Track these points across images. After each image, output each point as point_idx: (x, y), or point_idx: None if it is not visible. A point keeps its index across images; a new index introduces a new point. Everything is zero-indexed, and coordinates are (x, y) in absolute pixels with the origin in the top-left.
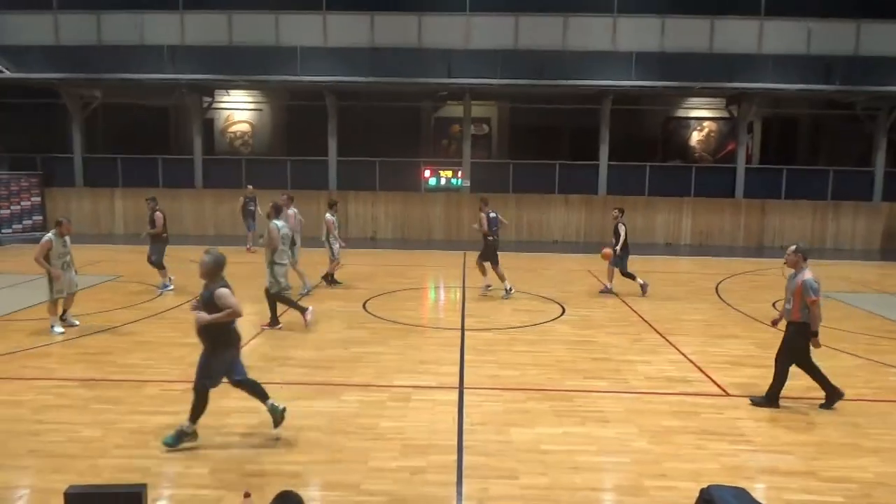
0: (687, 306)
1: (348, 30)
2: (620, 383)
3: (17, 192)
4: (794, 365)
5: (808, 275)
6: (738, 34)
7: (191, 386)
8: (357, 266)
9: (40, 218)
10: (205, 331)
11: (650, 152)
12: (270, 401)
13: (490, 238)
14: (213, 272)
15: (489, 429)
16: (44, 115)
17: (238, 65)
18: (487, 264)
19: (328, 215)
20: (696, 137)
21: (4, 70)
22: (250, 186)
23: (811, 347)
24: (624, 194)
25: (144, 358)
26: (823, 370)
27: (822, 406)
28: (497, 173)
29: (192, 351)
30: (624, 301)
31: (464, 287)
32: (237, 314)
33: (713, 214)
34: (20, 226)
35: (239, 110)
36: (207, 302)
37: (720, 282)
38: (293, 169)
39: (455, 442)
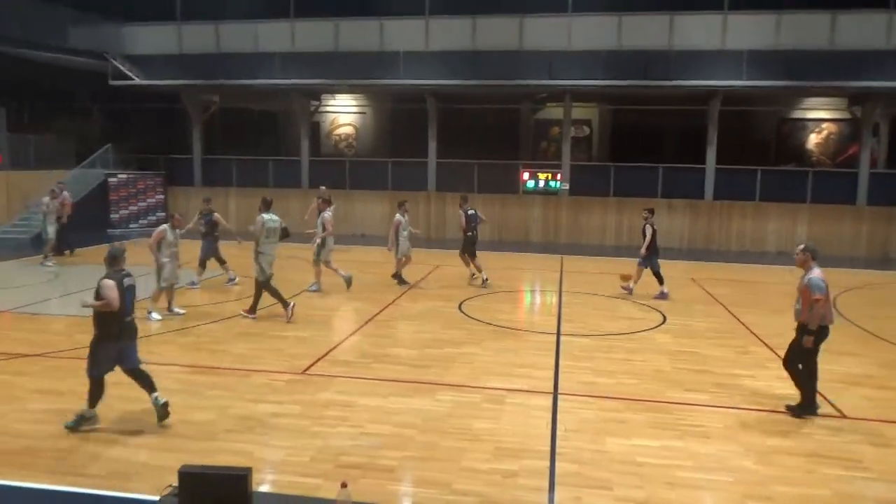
0: None
1: (450, 33)
2: (723, 398)
3: (143, 190)
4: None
5: (815, 273)
6: (862, 29)
7: (294, 377)
8: (453, 267)
9: (163, 214)
10: (93, 319)
11: (762, 155)
12: (155, 394)
13: (469, 234)
14: (108, 263)
15: (583, 437)
16: (167, 119)
17: (343, 69)
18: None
19: (398, 216)
20: (813, 140)
21: (134, 78)
22: (323, 188)
23: (815, 349)
24: (732, 199)
25: (251, 349)
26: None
27: (788, 407)
28: (597, 176)
29: (293, 343)
30: (730, 311)
31: (560, 291)
32: (109, 306)
33: (832, 222)
34: (145, 221)
35: (344, 113)
36: (96, 290)
37: (838, 295)
38: (394, 170)
39: (548, 448)
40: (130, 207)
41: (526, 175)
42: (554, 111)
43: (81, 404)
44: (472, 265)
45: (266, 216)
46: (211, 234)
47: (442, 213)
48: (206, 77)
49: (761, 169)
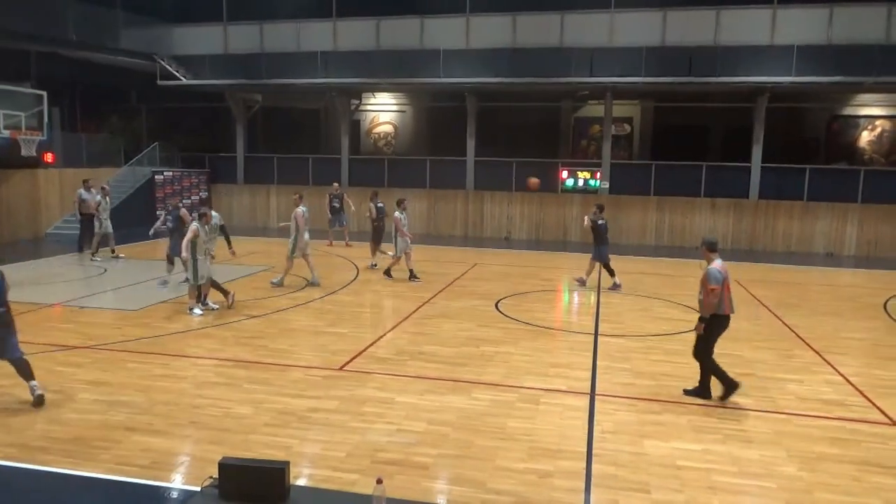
0: (849, 323)
1: (490, 31)
2: (767, 402)
3: (188, 188)
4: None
5: (714, 265)
6: None
7: (331, 373)
8: (490, 266)
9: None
10: None
11: (811, 153)
12: (33, 382)
13: (376, 224)
14: None
15: (621, 438)
16: (211, 118)
17: (384, 68)
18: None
19: (397, 213)
20: (865, 138)
21: (181, 78)
22: (336, 184)
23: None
24: (779, 198)
25: (291, 344)
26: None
27: (686, 392)
28: (638, 175)
29: (334, 340)
30: (774, 313)
31: (599, 291)
32: None
33: (885, 222)
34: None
35: (383, 112)
36: None
37: (890, 298)
38: (432, 169)
39: (584, 449)
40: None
41: (565, 174)
42: (595, 109)
43: (130, 395)
44: (376, 252)
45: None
46: (178, 231)
47: (480, 211)
48: (249, 76)
49: (810, 167)
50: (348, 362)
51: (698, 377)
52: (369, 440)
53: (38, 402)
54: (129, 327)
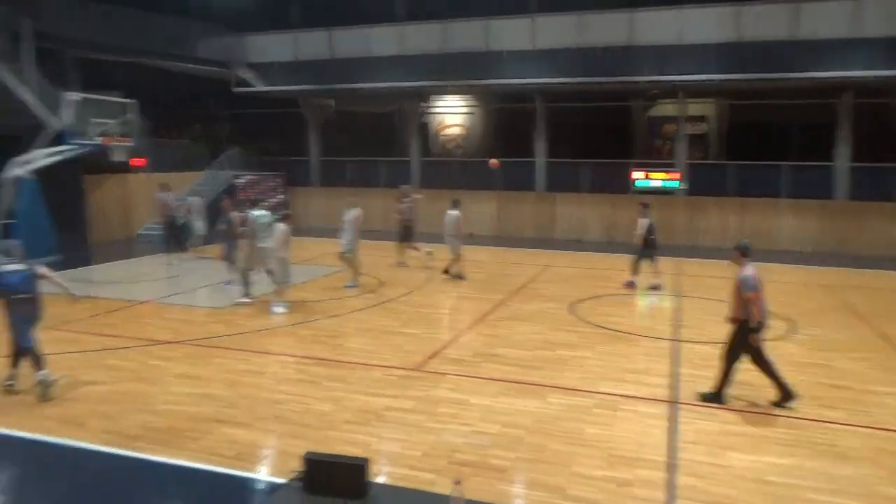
0: None
1: (556, 31)
2: (863, 416)
3: (266, 191)
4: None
5: (747, 271)
6: None
7: (407, 373)
8: (562, 268)
9: (282, 213)
10: None
11: None
12: (43, 371)
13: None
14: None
15: (703, 449)
16: (287, 123)
17: (451, 71)
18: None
19: (457, 213)
20: None
21: (254, 85)
22: (406, 186)
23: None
24: (870, 199)
25: (368, 343)
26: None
27: (774, 404)
28: (715, 175)
29: (408, 340)
30: (867, 321)
31: (677, 295)
32: None
33: None
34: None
35: (452, 114)
36: None
37: None
38: (502, 170)
39: (665, 458)
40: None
41: (637, 174)
42: (668, 108)
43: (218, 389)
44: (409, 248)
45: (256, 213)
46: (229, 235)
47: (550, 213)
48: (319, 82)
49: None
50: (424, 363)
51: (776, 387)
52: (445, 441)
53: (46, 390)
54: (214, 324)
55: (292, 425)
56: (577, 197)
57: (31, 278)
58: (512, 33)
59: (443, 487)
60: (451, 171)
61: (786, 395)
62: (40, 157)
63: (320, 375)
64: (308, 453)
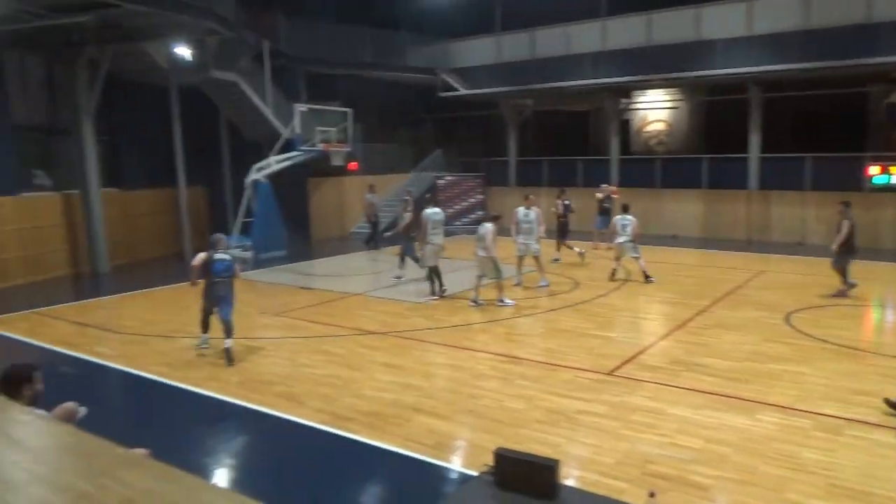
0: None
1: (776, 14)
2: None
3: (465, 191)
4: None
5: None
6: None
7: (600, 377)
8: (778, 274)
9: (482, 213)
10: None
11: None
12: (229, 340)
13: (563, 220)
14: (210, 245)
15: None
16: (486, 125)
17: (656, 64)
18: None
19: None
20: None
21: (459, 89)
22: (606, 185)
23: None
24: None
25: (561, 344)
26: None
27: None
28: None
29: (602, 343)
30: None
31: None
32: (192, 271)
33: None
34: (467, 219)
35: (655, 109)
36: None
37: None
38: (709, 167)
39: None
40: (455, 206)
41: (873, 169)
42: None
43: (417, 379)
44: (564, 246)
45: (429, 210)
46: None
47: (765, 213)
48: (521, 83)
49: None
50: (618, 367)
51: None
52: (639, 450)
53: (230, 355)
54: (416, 318)
55: (485, 420)
56: (798, 195)
57: (231, 267)
58: (725, 20)
59: (634, 498)
60: (652, 168)
61: None
62: (274, 163)
63: (513, 373)
64: (500, 449)
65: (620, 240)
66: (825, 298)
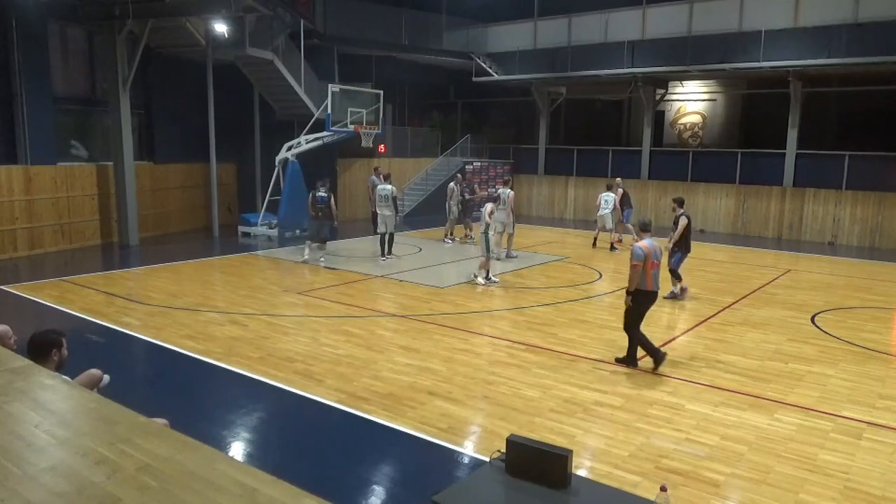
0: None
1: (824, 6)
2: None
3: (493, 177)
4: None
5: (639, 243)
6: None
7: (618, 369)
8: (807, 273)
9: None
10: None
11: None
12: (322, 255)
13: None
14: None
15: None
16: (517, 112)
17: (695, 55)
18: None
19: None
20: None
21: (493, 74)
22: (619, 179)
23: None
24: None
25: (580, 335)
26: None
27: (617, 359)
28: None
29: (624, 336)
30: None
31: None
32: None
33: None
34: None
35: (691, 101)
36: None
37: None
38: (743, 162)
39: None
40: (482, 193)
41: None
42: None
43: (435, 363)
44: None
45: (380, 186)
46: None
47: (798, 211)
48: (556, 70)
49: None
50: (637, 361)
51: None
52: (654, 444)
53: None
54: (437, 302)
55: (500, 407)
56: (834, 194)
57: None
58: (769, 10)
59: (647, 492)
60: (685, 161)
61: (629, 359)
62: (304, 142)
63: (530, 362)
64: (512, 436)
65: (603, 212)
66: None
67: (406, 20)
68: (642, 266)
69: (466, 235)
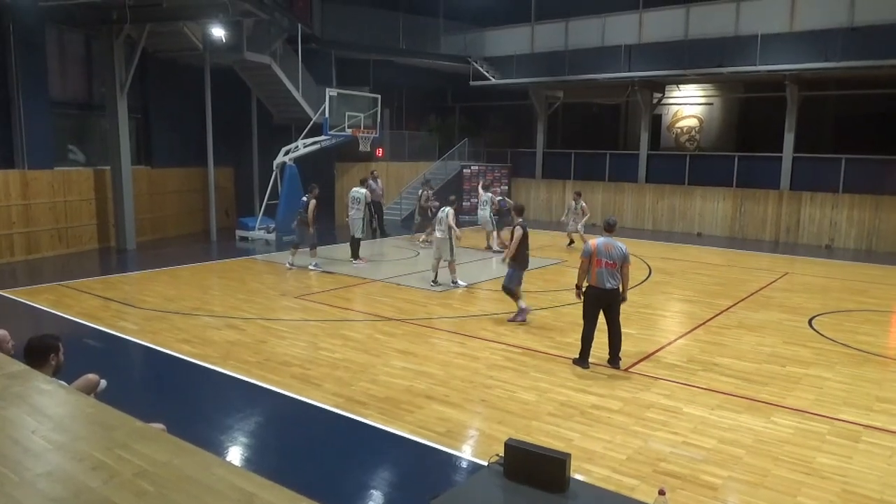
0: None
1: (821, 9)
2: None
3: (491, 181)
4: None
5: (591, 241)
6: None
7: (616, 372)
8: (804, 277)
9: (499, 200)
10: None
11: None
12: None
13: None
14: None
15: None
16: (514, 116)
17: (692, 59)
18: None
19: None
20: None
21: (491, 78)
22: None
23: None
24: None
25: (577, 338)
26: None
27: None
28: None
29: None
30: None
31: None
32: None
33: None
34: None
35: (688, 105)
36: None
37: None
38: (740, 166)
39: None
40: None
41: None
42: None
43: (432, 367)
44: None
45: (352, 190)
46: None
47: (795, 214)
48: (553, 73)
49: None
50: (634, 364)
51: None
52: (652, 447)
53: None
54: (434, 306)
55: (497, 411)
56: (830, 198)
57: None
58: (766, 15)
59: (645, 495)
60: (682, 165)
61: (580, 360)
62: (302, 146)
63: (527, 365)
64: (510, 440)
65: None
66: (868, 304)
67: (403, 24)
68: (588, 262)
69: (424, 240)
